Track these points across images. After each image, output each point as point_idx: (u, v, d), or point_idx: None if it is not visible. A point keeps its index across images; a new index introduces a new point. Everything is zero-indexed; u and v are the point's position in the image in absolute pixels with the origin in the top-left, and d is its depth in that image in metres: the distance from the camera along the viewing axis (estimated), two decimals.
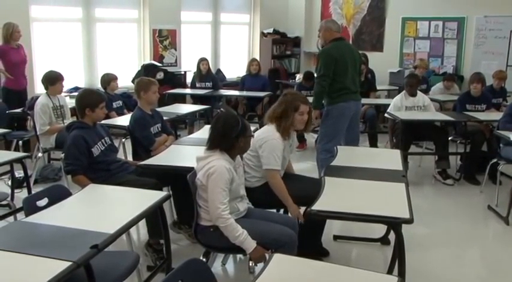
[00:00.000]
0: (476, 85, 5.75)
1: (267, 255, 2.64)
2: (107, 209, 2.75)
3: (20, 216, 3.19)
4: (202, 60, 7.62)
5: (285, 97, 3.45)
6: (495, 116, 5.42)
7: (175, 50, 8.37)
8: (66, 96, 5.90)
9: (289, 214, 3.22)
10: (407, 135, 5.39)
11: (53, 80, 5.01)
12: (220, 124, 2.83)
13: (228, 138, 2.79)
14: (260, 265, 2.52)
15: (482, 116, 5.55)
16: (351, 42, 8.78)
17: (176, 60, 8.40)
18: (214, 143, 2.82)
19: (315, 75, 4.85)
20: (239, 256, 3.59)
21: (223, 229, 2.68)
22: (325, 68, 4.56)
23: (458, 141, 5.75)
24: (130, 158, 4.37)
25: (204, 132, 4.70)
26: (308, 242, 3.35)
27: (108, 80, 6.02)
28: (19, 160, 3.78)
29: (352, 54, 4.74)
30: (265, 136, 3.30)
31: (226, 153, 2.82)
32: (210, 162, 2.75)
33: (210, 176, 2.70)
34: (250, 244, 2.67)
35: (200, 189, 2.78)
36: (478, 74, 5.90)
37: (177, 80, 8.16)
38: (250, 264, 3.19)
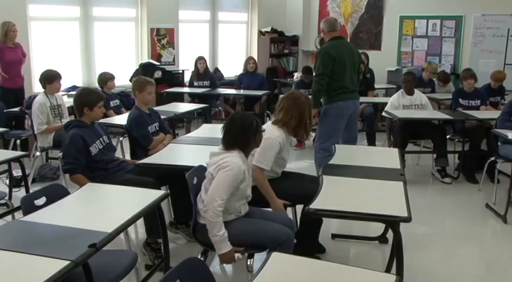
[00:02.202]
0: (469, 81, 5.89)
1: (236, 256, 2.75)
2: (105, 208, 2.75)
3: (18, 215, 3.19)
4: (200, 59, 7.65)
5: (301, 100, 3.42)
6: (493, 114, 5.43)
7: (173, 48, 8.35)
8: (64, 95, 5.89)
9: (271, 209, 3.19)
10: (405, 133, 5.40)
11: (50, 78, 5.01)
12: (238, 123, 2.86)
13: (247, 136, 2.85)
14: (258, 264, 2.51)
15: (479, 114, 5.56)
16: (348, 40, 8.76)
17: (174, 59, 8.38)
18: (231, 142, 2.84)
19: (314, 73, 4.86)
20: (237, 255, 3.58)
21: (208, 222, 2.68)
22: (324, 66, 4.56)
23: (456, 140, 5.75)
24: (128, 157, 4.36)
25: (202, 130, 4.70)
26: (306, 241, 3.36)
27: (105, 79, 6.01)
28: (17, 159, 3.76)
29: (351, 53, 4.74)
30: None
31: (243, 151, 2.84)
32: (226, 158, 2.76)
33: (221, 169, 2.71)
34: (227, 246, 2.70)
35: (208, 183, 2.78)
36: (469, 70, 6.09)
37: (175, 78, 8.15)
38: (249, 263, 3.21)
